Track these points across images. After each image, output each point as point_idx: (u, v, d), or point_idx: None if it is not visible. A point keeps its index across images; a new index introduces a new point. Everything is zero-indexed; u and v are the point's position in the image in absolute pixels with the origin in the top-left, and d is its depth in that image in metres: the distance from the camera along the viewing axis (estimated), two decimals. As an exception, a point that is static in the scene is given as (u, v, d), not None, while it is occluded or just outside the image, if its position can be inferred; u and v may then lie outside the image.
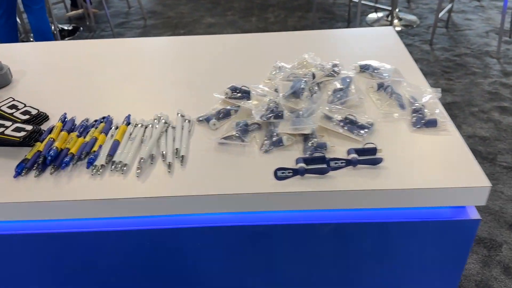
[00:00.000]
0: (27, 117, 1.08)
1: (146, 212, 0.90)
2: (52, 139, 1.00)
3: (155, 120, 1.07)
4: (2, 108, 1.10)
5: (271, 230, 0.93)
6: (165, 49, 1.47)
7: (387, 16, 4.30)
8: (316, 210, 0.91)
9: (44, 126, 1.09)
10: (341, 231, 0.93)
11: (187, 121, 1.07)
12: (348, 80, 1.14)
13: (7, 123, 1.02)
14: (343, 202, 0.87)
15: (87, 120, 1.09)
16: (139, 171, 0.93)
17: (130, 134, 1.03)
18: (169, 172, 0.93)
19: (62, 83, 1.29)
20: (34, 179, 0.93)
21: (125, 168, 0.94)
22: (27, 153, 0.98)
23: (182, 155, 0.96)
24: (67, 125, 1.05)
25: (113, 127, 1.06)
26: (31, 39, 3.94)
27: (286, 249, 0.97)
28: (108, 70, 1.35)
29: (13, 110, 1.09)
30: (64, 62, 1.41)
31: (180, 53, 1.43)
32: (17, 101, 1.13)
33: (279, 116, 1.02)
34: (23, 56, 1.46)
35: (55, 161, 0.95)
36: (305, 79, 1.10)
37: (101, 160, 0.96)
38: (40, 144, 1.00)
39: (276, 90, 1.12)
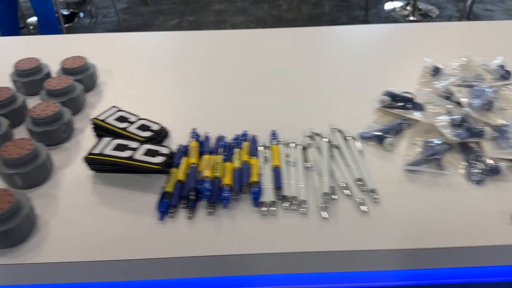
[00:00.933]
0: (148, 133, 0.82)
1: (345, 267, 0.68)
2: (195, 165, 0.76)
3: (309, 137, 0.84)
4: (107, 121, 0.84)
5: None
6: (287, 42, 1.22)
7: (406, 5, 4.12)
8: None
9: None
10: None
11: (350, 139, 0.84)
12: (536, 88, 0.93)
13: (132, 144, 0.77)
14: None
15: (223, 137, 0.85)
16: (325, 211, 0.70)
17: (287, 156, 0.80)
18: (365, 212, 0.71)
19: (158, 84, 1.04)
20: (185, 223, 0.69)
21: (306, 205, 0.71)
22: (163, 184, 0.74)
23: (373, 189, 0.74)
24: (205, 145, 0.81)
25: (261, 147, 0.82)
26: (28, 24, 3.58)
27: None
28: (213, 66, 1.10)
29: (125, 124, 0.84)
30: (153, 57, 1.15)
31: (301, 47, 1.18)
32: (124, 111, 0.88)
33: (478, 134, 0.80)
34: (99, 51, 1.18)
35: (210, 196, 0.71)
36: (488, 85, 0.89)
37: (269, 194, 0.72)
38: (176, 171, 0.76)
39: (449, 99, 0.90)
